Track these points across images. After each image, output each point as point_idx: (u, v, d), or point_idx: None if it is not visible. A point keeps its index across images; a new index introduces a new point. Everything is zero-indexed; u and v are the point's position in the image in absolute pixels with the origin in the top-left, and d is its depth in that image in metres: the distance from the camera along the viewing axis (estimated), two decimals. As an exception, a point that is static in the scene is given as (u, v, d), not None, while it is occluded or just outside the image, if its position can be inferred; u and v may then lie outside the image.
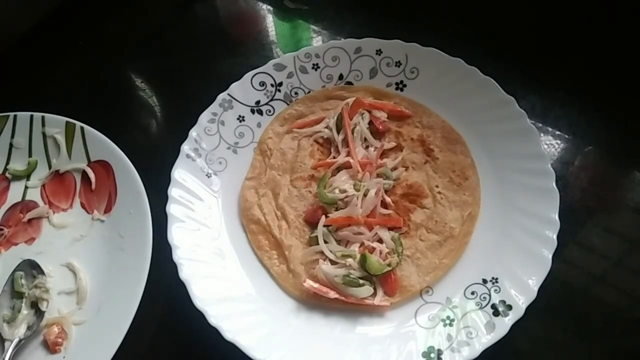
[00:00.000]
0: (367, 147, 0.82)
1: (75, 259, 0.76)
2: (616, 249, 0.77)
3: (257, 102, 0.87)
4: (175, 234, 0.72)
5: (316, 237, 0.73)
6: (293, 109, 0.88)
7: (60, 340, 0.69)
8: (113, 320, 0.68)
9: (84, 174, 0.83)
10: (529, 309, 0.65)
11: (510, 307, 0.65)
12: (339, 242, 0.74)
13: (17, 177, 0.84)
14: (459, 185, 0.78)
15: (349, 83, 0.89)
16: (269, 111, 0.87)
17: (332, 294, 0.68)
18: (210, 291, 0.69)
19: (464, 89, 0.84)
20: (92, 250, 0.77)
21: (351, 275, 0.69)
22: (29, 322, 0.70)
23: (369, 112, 0.84)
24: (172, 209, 0.74)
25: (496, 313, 0.65)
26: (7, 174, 0.84)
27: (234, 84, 0.86)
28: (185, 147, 0.80)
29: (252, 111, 0.87)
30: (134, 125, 0.95)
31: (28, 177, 0.84)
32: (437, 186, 0.79)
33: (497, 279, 0.69)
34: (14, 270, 0.73)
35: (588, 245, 0.77)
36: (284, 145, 0.84)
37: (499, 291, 0.67)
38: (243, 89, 0.86)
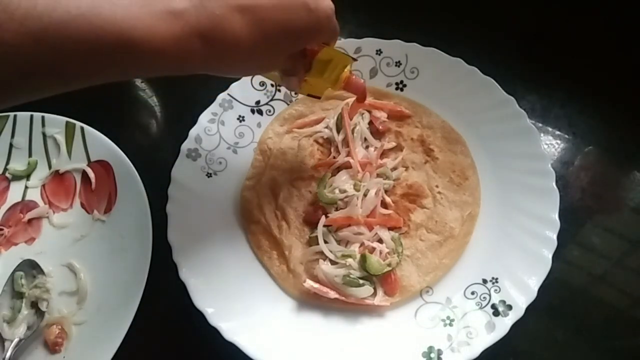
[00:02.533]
0: (367, 147, 0.82)
1: (76, 259, 0.76)
2: (616, 249, 0.77)
3: (257, 102, 0.87)
4: (175, 234, 0.72)
5: (316, 237, 0.73)
6: (293, 109, 0.88)
7: (60, 340, 0.69)
8: (113, 320, 0.68)
9: (84, 174, 0.82)
10: (529, 309, 0.65)
11: (510, 307, 0.65)
12: (339, 242, 0.73)
13: (17, 177, 0.84)
14: (459, 185, 0.78)
15: (349, 83, 0.89)
16: (269, 111, 0.87)
17: (332, 294, 0.68)
18: (210, 291, 0.69)
19: (464, 89, 0.84)
20: (92, 250, 0.76)
21: (351, 275, 0.69)
22: (29, 322, 0.70)
23: (369, 112, 0.84)
24: (172, 209, 0.74)
25: (496, 313, 0.66)
26: (7, 174, 0.84)
27: (234, 84, 0.86)
28: (185, 147, 0.80)
29: (252, 111, 0.87)
30: (134, 125, 0.95)
31: (28, 177, 0.84)
32: (437, 186, 0.79)
33: (497, 279, 0.69)
34: (14, 270, 0.73)
35: (588, 245, 0.77)
36: (284, 145, 0.84)
37: (499, 291, 0.67)
38: (243, 89, 0.86)
